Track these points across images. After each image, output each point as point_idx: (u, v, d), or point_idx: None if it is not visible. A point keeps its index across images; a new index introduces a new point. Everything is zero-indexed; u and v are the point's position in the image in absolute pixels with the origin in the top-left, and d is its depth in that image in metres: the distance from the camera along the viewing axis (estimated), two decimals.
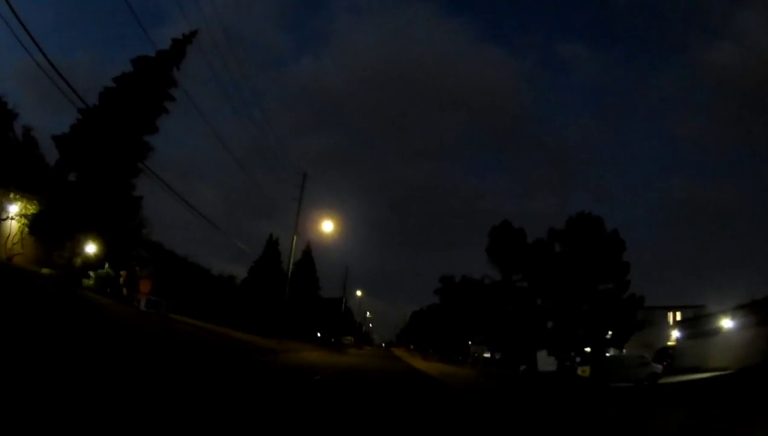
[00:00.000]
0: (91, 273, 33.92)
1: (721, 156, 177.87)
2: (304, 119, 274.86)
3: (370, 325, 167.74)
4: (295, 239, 36.20)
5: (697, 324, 36.65)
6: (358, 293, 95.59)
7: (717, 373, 26.38)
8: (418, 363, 36.97)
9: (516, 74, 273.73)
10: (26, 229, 25.40)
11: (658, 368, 28.33)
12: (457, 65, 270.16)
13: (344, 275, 76.67)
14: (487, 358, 34.87)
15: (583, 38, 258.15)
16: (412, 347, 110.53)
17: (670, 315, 46.54)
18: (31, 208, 25.24)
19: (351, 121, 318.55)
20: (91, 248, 34.91)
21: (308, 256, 66.50)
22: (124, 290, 36.43)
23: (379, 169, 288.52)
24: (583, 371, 30.83)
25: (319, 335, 77.39)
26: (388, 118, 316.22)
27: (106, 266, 34.84)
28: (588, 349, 32.05)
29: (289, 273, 35.51)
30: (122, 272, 36.79)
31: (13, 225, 25.30)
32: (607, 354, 31.81)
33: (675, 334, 39.91)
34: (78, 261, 33.06)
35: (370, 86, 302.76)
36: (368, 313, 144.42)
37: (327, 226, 38.36)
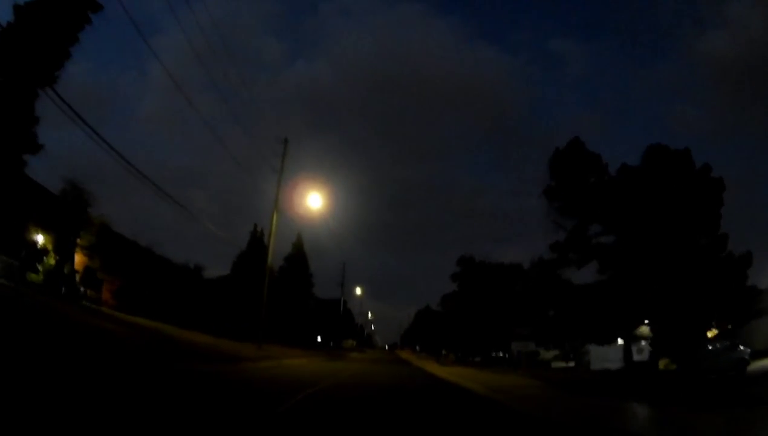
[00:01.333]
0: (39, 266, 27.25)
1: (717, 145, 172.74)
2: (298, 123, 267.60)
3: (372, 327, 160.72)
4: (275, 217, 28.74)
5: (759, 301, 33.52)
6: (358, 290, 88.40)
7: None
8: (435, 368, 29.32)
9: (509, 71, 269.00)
10: None
11: (747, 352, 23.80)
12: (450, 64, 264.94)
13: (342, 273, 69.47)
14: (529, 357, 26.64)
15: (575, 33, 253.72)
16: (418, 348, 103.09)
17: None
18: None
19: (345, 123, 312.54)
20: (39, 238, 28.03)
21: (300, 250, 58.35)
22: (84, 289, 29.55)
23: (375, 170, 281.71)
24: (666, 364, 23.93)
25: (319, 339, 70.56)
26: (382, 119, 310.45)
27: (51, 255, 27.69)
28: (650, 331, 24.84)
29: (269, 257, 27.83)
30: (77, 265, 29.70)
31: None
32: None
33: None
34: (22, 251, 26.41)
35: (364, 88, 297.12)
36: (370, 314, 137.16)
37: (315, 201, 31.15)
